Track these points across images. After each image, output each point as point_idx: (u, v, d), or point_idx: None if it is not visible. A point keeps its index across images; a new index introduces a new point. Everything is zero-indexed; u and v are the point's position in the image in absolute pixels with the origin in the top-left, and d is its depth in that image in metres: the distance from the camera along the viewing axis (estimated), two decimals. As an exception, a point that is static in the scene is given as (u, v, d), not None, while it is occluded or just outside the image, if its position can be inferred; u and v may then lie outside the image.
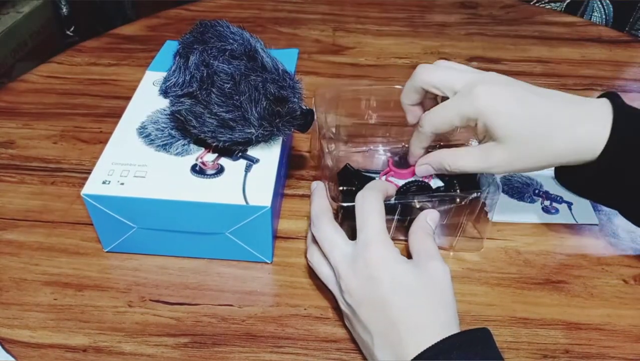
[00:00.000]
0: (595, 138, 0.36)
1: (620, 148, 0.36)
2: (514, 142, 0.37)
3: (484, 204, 0.42)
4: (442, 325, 0.33)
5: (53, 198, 0.50)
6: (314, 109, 0.45)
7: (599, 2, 0.97)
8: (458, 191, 0.42)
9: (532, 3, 0.95)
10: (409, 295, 0.34)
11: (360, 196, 0.37)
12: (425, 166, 0.42)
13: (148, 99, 0.49)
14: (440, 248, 0.37)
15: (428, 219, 0.40)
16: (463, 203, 0.41)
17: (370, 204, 0.37)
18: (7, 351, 0.38)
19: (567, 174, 0.43)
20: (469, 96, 0.37)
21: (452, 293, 0.35)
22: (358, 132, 0.51)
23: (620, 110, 0.37)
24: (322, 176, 0.45)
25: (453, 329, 0.33)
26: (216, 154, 0.43)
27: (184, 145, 0.44)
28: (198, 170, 0.42)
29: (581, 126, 0.37)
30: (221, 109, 0.41)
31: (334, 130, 0.51)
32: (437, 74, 0.39)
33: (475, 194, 0.41)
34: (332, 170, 0.44)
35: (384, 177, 0.44)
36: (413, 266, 0.36)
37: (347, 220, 0.39)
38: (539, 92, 0.38)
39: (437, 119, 0.40)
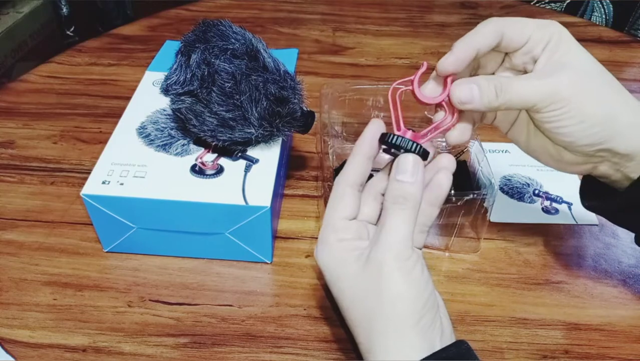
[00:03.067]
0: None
1: None
2: (583, 73, 0.32)
3: (481, 205, 0.42)
4: (376, 348, 0.30)
5: (53, 198, 0.50)
6: (319, 107, 0.45)
7: (599, 3, 0.97)
8: (453, 191, 0.41)
9: (532, 3, 0.95)
10: (348, 304, 0.31)
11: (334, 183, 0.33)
12: (470, 86, 0.32)
13: (148, 99, 0.49)
14: (435, 248, 0.36)
15: (403, 173, 0.31)
16: (459, 203, 0.41)
17: (333, 189, 0.33)
18: (7, 351, 0.38)
19: (595, 198, 0.38)
20: (545, 22, 0.33)
21: (402, 297, 0.29)
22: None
23: None
24: (322, 176, 0.45)
25: (396, 351, 0.29)
26: (216, 155, 0.43)
27: (183, 145, 0.44)
28: (198, 170, 0.42)
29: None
30: (221, 108, 0.41)
31: (338, 128, 0.51)
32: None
33: (472, 195, 0.41)
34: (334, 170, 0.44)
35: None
36: (357, 260, 0.31)
37: None
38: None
39: (510, 22, 0.33)
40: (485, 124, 0.37)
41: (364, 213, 0.34)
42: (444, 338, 0.31)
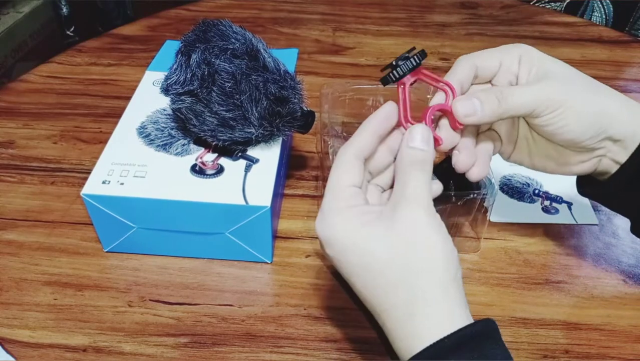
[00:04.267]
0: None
1: None
2: (566, 77, 0.34)
3: (481, 205, 0.42)
4: (420, 305, 0.29)
5: (53, 197, 0.50)
6: (319, 107, 0.45)
7: (599, 2, 0.98)
8: (453, 190, 0.41)
9: (532, 3, 0.95)
10: (374, 268, 0.29)
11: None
12: (471, 99, 0.33)
13: (148, 99, 0.49)
14: None
15: (415, 140, 0.31)
16: (459, 203, 0.41)
17: (337, 158, 0.32)
18: (7, 351, 0.38)
19: (589, 183, 0.39)
20: (509, 46, 0.36)
21: (440, 249, 0.29)
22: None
23: None
24: (322, 176, 0.45)
25: (440, 305, 0.29)
26: (216, 154, 0.43)
27: (183, 145, 0.44)
28: (198, 170, 0.42)
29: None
30: (221, 108, 0.41)
31: (338, 128, 0.51)
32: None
33: (472, 195, 0.41)
34: None
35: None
36: (380, 219, 0.30)
37: None
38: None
39: (481, 53, 0.36)
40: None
41: (376, 160, 0.33)
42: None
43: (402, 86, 0.33)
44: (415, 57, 0.32)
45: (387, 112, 0.33)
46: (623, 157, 0.35)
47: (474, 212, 0.43)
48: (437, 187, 0.35)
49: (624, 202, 0.38)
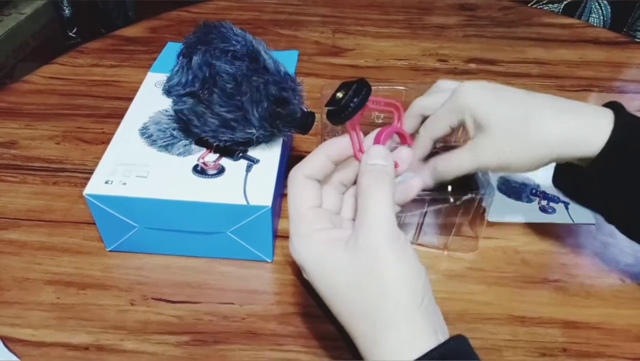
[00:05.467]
0: (593, 131, 0.35)
1: (622, 146, 0.35)
2: (501, 129, 0.36)
3: (479, 205, 0.42)
4: (382, 334, 0.29)
5: (55, 197, 0.50)
6: (320, 108, 0.46)
7: (596, 4, 0.98)
8: (450, 190, 0.42)
9: (530, 5, 0.95)
10: (340, 297, 0.30)
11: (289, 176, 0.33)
12: (421, 180, 0.37)
13: (150, 100, 0.49)
14: (433, 247, 0.36)
15: (373, 157, 0.32)
16: (457, 203, 0.41)
17: (289, 182, 0.33)
18: (10, 350, 0.38)
19: (563, 177, 0.42)
20: (454, 95, 0.38)
21: (400, 278, 0.29)
22: (364, 133, 0.51)
23: (623, 112, 0.36)
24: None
25: (401, 333, 0.29)
26: (217, 155, 0.44)
27: (185, 145, 0.44)
28: (199, 170, 0.42)
29: (577, 117, 0.36)
30: (223, 109, 0.41)
31: (339, 130, 0.51)
32: (429, 99, 0.41)
33: (470, 195, 0.41)
34: None
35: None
36: (345, 249, 0.30)
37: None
38: (527, 92, 0.38)
39: (430, 124, 0.40)
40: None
41: (328, 204, 0.33)
42: (440, 316, 0.31)
43: (352, 123, 0.32)
44: (363, 93, 0.31)
45: (342, 142, 0.33)
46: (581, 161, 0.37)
47: (472, 212, 0.43)
48: (417, 182, 0.35)
49: (595, 196, 0.40)
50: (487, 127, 0.37)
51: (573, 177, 0.39)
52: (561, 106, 0.37)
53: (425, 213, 0.43)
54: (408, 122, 0.42)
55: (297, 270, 0.44)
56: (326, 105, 0.32)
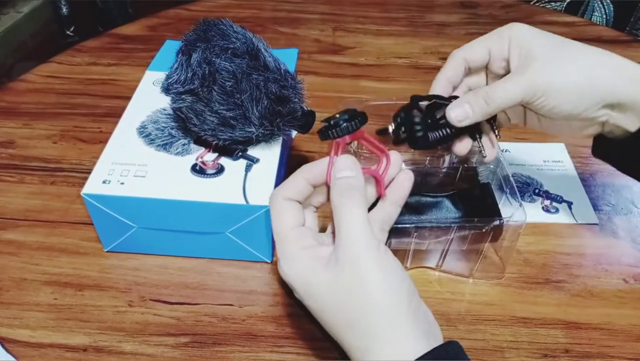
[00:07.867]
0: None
1: None
2: (548, 57, 0.35)
3: (502, 231, 0.40)
4: (370, 343, 0.29)
5: (53, 197, 0.50)
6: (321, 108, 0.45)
7: (599, 2, 0.98)
8: (477, 217, 0.39)
9: (532, 3, 0.95)
10: (329, 313, 0.31)
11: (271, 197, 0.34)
12: (462, 105, 0.36)
13: (148, 98, 0.49)
14: (458, 274, 0.35)
15: (341, 170, 0.32)
16: (484, 230, 0.39)
17: (270, 205, 0.34)
18: (8, 351, 0.38)
19: (605, 145, 0.40)
20: (499, 28, 0.38)
21: (382, 287, 0.29)
22: None
23: None
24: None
25: (389, 342, 0.29)
26: (216, 154, 0.43)
27: (184, 145, 0.44)
28: (198, 170, 0.42)
29: (622, 63, 0.36)
30: (222, 107, 0.41)
31: (356, 144, 0.49)
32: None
33: (497, 222, 0.39)
34: None
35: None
36: (327, 266, 0.31)
37: None
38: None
39: (468, 45, 0.39)
40: (508, 127, 0.43)
41: (312, 223, 0.35)
42: (430, 319, 0.31)
43: (337, 144, 0.34)
44: (356, 121, 0.33)
45: (320, 167, 0.34)
46: (623, 122, 0.36)
47: (499, 238, 0.41)
48: (406, 176, 0.35)
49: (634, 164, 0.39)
50: (534, 55, 0.35)
51: (615, 145, 0.38)
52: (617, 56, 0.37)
53: (452, 239, 0.41)
54: (448, 71, 0.39)
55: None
56: (322, 121, 0.34)
